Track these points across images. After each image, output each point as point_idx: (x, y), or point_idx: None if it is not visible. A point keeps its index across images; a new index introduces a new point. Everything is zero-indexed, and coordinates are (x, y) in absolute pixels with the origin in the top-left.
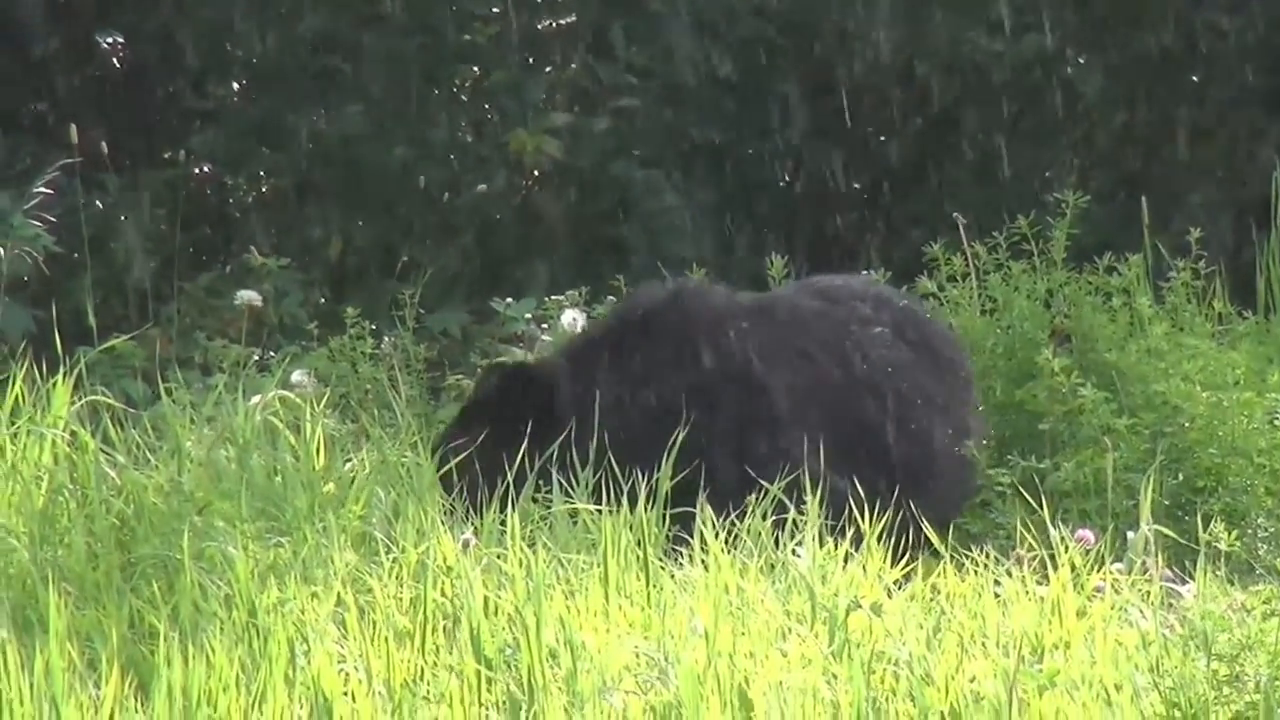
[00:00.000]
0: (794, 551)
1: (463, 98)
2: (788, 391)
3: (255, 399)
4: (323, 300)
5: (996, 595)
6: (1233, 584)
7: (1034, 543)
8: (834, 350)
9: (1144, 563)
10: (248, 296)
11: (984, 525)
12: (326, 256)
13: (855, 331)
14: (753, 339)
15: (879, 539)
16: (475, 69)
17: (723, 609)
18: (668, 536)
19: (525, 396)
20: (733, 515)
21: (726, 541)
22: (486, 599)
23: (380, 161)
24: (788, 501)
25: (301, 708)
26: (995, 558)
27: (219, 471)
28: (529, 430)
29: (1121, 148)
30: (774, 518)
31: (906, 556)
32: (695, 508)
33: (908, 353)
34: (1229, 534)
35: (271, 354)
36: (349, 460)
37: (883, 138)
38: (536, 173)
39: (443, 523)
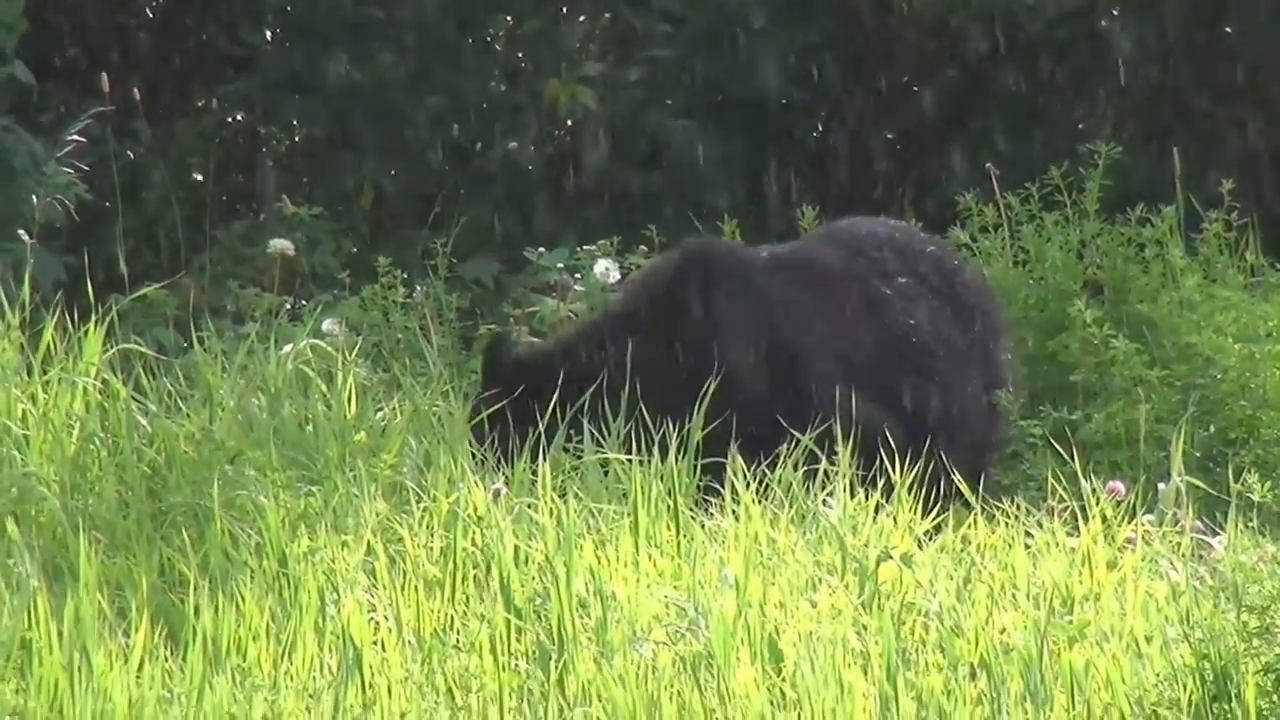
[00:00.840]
0: (825, 502)
1: (496, 47)
2: (814, 346)
3: (287, 348)
4: (355, 249)
5: (1027, 547)
6: (1264, 536)
7: (1065, 494)
8: (858, 302)
9: (1175, 514)
10: (280, 245)
11: (1015, 476)
12: (359, 205)
13: (878, 282)
14: (776, 291)
15: (909, 490)
16: (509, 18)
17: (753, 559)
18: (698, 487)
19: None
20: (763, 465)
21: (757, 492)
22: (517, 548)
23: (413, 110)
24: (819, 452)
25: (331, 656)
26: (1026, 509)
27: (250, 420)
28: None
29: (1155, 99)
30: (805, 468)
31: (937, 508)
32: (726, 459)
33: (933, 301)
34: (1261, 486)
35: (303, 303)
36: (380, 409)
37: (916, 88)
38: (570, 122)
39: (474, 472)
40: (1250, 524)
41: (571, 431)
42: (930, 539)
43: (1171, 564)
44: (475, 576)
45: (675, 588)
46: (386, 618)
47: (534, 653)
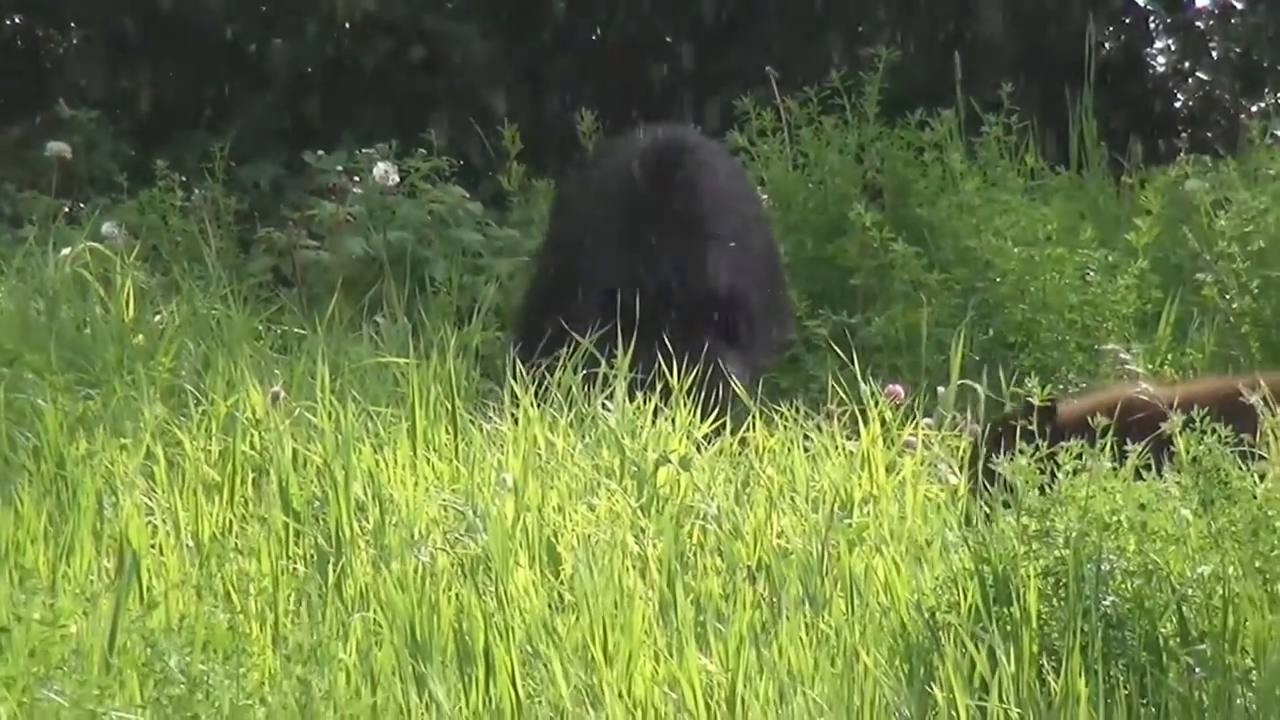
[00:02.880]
0: (604, 406)
1: None
2: (593, 247)
3: (65, 251)
4: (133, 152)
5: (806, 450)
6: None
7: (844, 397)
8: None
9: (954, 418)
10: (57, 148)
11: (795, 380)
12: (137, 108)
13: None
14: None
15: (688, 393)
16: None
17: (531, 463)
18: (478, 390)
19: None
20: (543, 368)
21: (536, 395)
22: (295, 452)
23: (191, 12)
24: (599, 355)
25: (109, 560)
26: (805, 412)
27: (28, 323)
28: None
29: (936, 2)
30: (585, 372)
31: (716, 411)
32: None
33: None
34: (1040, 389)
35: (81, 206)
36: (159, 313)
37: None
38: (348, 24)
39: (252, 375)
40: (1029, 426)
41: None
42: (709, 442)
43: (951, 468)
44: (254, 480)
45: (454, 491)
46: (165, 521)
47: (312, 556)
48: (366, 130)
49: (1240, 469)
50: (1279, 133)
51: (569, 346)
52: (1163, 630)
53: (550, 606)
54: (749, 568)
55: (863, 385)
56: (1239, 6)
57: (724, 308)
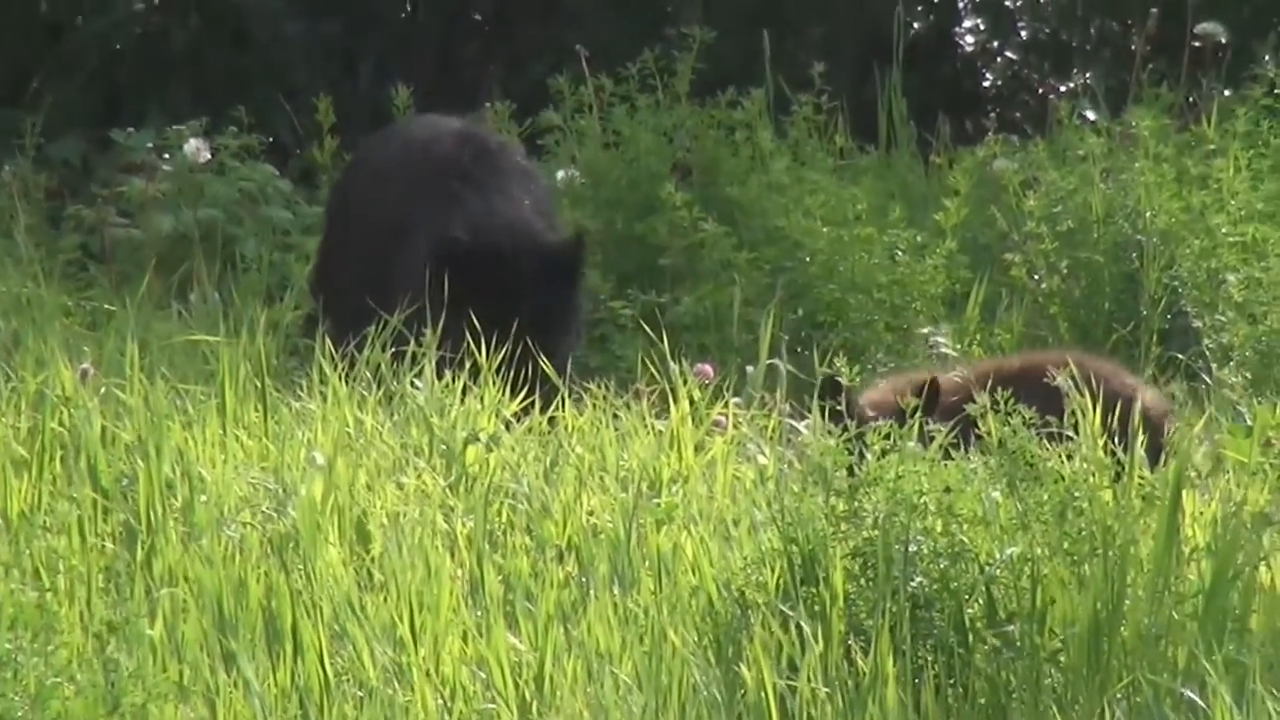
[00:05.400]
0: (413, 384)
1: None
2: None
3: None
4: None
5: (615, 429)
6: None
7: (654, 376)
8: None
9: (763, 397)
10: None
11: (604, 359)
12: None
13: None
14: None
15: (497, 372)
16: None
17: (341, 441)
18: (289, 369)
19: None
20: (352, 346)
21: (346, 374)
22: (105, 429)
23: None
24: (408, 333)
25: None
26: (615, 391)
27: None
28: None
29: None
30: (394, 350)
31: (525, 390)
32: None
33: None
34: (849, 368)
35: None
36: None
37: None
38: (158, 1)
39: (62, 352)
40: (838, 406)
41: None
42: (518, 421)
43: (759, 447)
44: (63, 457)
45: (263, 469)
46: None
47: (121, 534)
48: (177, 107)
49: (1046, 449)
50: (1087, 113)
51: (378, 325)
52: (970, 611)
53: (359, 585)
54: (558, 547)
55: (672, 364)
56: None
57: (554, 272)
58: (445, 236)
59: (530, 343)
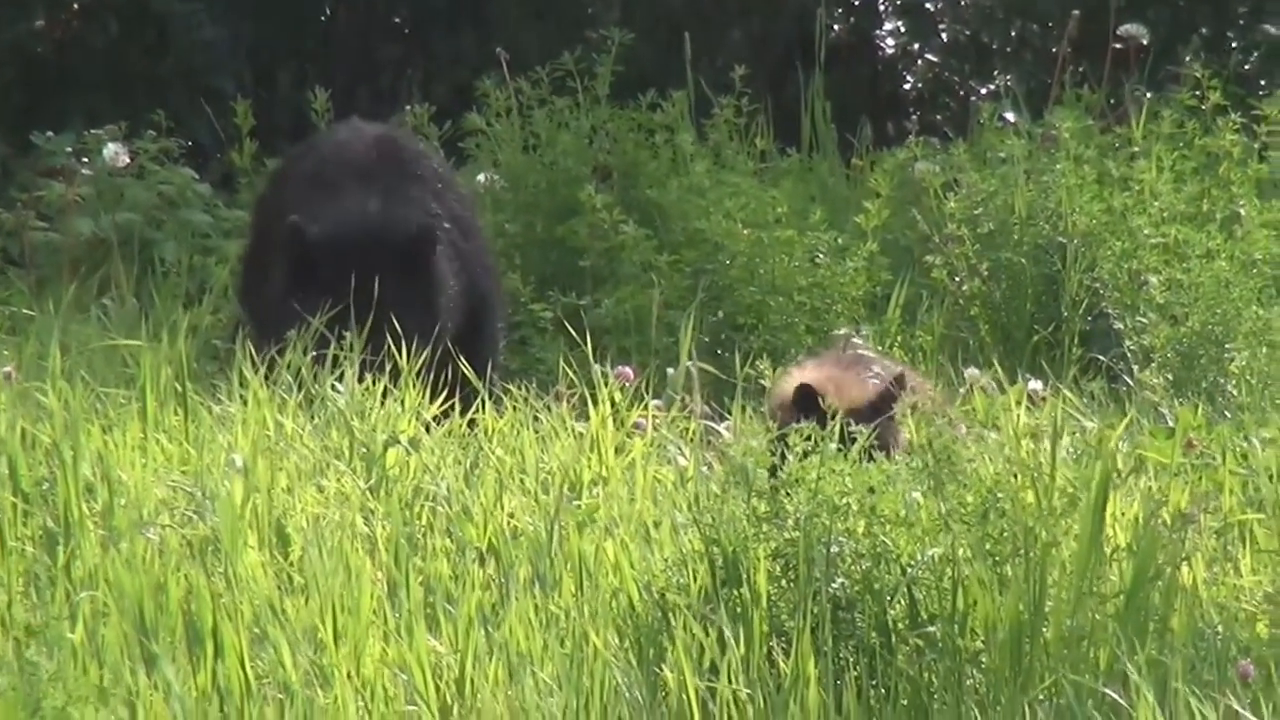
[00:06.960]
0: (333, 387)
1: None
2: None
3: None
4: None
5: (535, 431)
6: (773, 421)
7: (574, 379)
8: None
9: (684, 399)
10: None
11: (524, 361)
12: None
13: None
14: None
15: (417, 375)
16: None
17: (261, 444)
18: (208, 372)
19: None
20: (273, 351)
21: (267, 377)
22: (24, 432)
23: None
24: (330, 335)
25: None
26: (535, 394)
27: None
28: None
29: None
30: (315, 353)
31: (445, 393)
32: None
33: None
34: (769, 371)
35: None
36: None
37: None
38: (76, 5)
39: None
40: (760, 409)
41: None
42: (438, 424)
43: (680, 449)
44: None
45: (183, 472)
46: None
47: (41, 537)
48: (96, 111)
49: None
50: (1009, 115)
51: (300, 327)
52: (892, 612)
53: (279, 588)
54: (478, 549)
55: (592, 366)
56: None
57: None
58: (287, 223)
59: (387, 326)
